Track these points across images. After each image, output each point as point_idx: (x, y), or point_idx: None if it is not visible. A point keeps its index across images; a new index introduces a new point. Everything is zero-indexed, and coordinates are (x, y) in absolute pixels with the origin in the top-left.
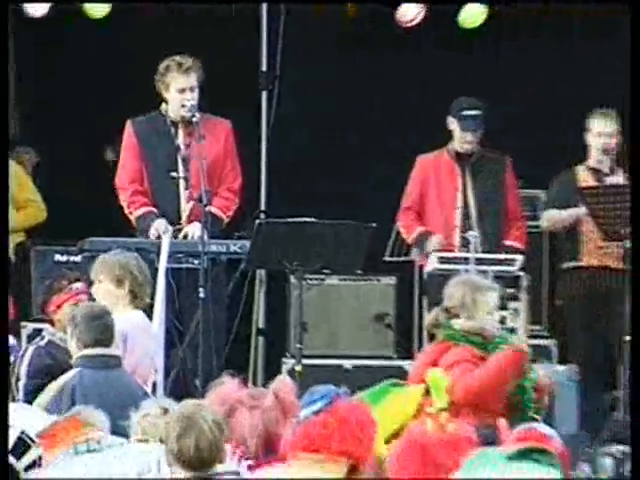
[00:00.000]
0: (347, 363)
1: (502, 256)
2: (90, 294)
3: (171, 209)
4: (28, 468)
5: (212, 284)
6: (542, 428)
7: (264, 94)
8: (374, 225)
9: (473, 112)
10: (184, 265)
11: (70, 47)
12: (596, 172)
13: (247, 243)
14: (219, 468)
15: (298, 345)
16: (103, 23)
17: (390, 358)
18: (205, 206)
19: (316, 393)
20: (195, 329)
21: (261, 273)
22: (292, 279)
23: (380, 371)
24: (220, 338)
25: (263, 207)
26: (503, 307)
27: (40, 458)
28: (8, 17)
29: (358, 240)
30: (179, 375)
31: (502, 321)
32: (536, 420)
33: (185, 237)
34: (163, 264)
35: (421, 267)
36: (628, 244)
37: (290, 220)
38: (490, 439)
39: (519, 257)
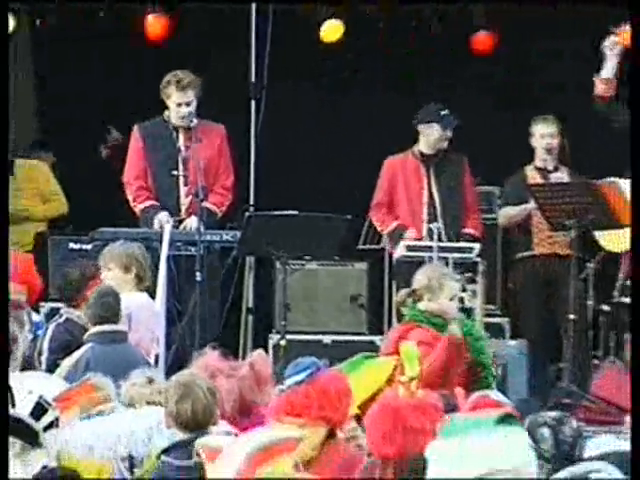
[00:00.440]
0: (326, 338)
1: (462, 245)
2: None
3: (172, 203)
4: (46, 429)
5: (207, 269)
6: (495, 395)
7: (253, 102)
8: (349, 217)
9: (447, 112)
10: (183, 252)
11: (81, 58)
12: (542, 171)
13: (238, 233)
14: (212, 430)
15: (282, 322)
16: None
17: (363, 334)
18: (201, 201)
19: (299, 365)
20: (192, 309)
21: (250, 259)
22: (277, 264)
23: (355, 345)
24: (214, 316)
25: (252, 201)
26: (462, 289)
27: (57, 420)
28: (8, 18)
29: (334, 231)
30: (178, 349)
31: (461, 301)
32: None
33: (184, 228)
34: (165, 251)
35: (390, 254)
36: (573, 234)
37: (275, 213)
38: (449, 407)
39: (476, 246)
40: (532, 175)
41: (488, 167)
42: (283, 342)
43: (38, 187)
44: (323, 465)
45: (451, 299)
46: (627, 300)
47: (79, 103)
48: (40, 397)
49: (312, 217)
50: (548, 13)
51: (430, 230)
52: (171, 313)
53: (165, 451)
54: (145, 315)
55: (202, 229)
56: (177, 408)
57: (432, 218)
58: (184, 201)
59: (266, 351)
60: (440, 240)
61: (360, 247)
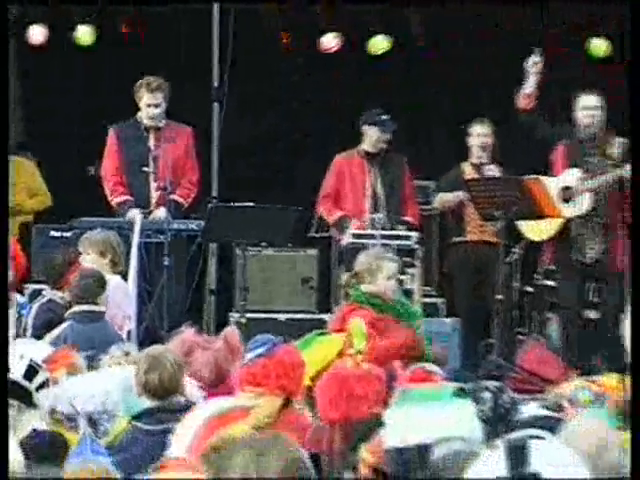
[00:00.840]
0: (281, 316)
1: (401, 233)
2: None
3: (143, 196)
4: (38, 389)
5: (174, 255)
6: (429, 367)
7: (216, 105)
8: (300, 209)
9: (387, 116)
10: (153, 240)
11: (63, 67)
12: (477, 166)
13: (202, 223)
14: (179, 398)
15: (242, 302)
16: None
17: (313, 312)
18: (169, 194)
19: (258, 341)
20: (161, 290)
21: (213, 246)
22: (237, 251)
23: (306, 323)
24: (181, 297)
25: (215, 194)
26: (402, 273)
27: (47, 380)
28: (8, 19)
29: (287, 220)
30: (148, 326)
31: (401, 283)
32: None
33: (154, 218)
34: (136, 239)
35: (338, 241)
36: (500, 223)
37: (236, 205)
38: (389, 377)
39: (414, 234)
40: (468, 170)
41: (424, 164)
42: (243, 320)
43: (26, 182)
44: (279, 429)
45: (389, 278)
46: (549, 282)
47: (61, 110)
48: (31, 360)
49: (268, 208)
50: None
51: (373, 220)
52: (142, 294)
53: (135, 417)
54: (118, 295)
55: (170, 219)
56: (146, 378)
57: (375, 209)
58: (154, 194)
59: None
60: (382, 229)
61: (310, 235)
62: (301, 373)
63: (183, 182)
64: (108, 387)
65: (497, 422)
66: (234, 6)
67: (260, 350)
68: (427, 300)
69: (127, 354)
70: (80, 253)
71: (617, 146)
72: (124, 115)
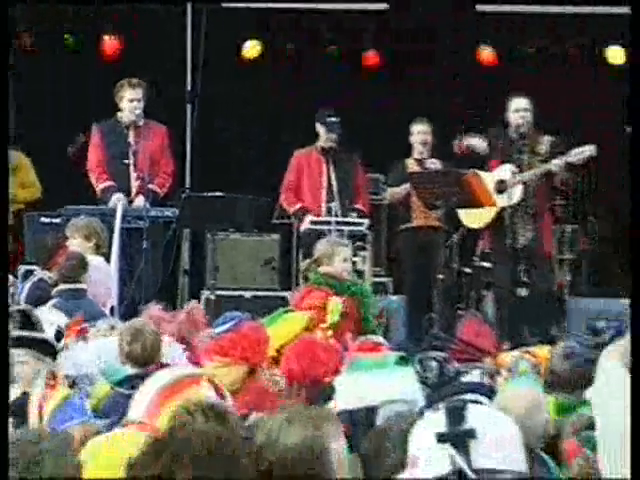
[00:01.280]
0: (246, 294)
1: (354, 220)
2: None
3: (124, 186)
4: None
5: (152, 239)
6: (376, 338)
7: (189, 106)
8: (264, 198)
9: (335, 119)
10: (133, 225)
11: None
12: (419, 161)
13: (176, 210)
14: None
15: (212, 281)
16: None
17: (276, 290)
18: (147, 184)
19: (227, 317)
20: (140, 270)
21: (186, 231)
22: (208, 235)
23: (269, 300)
24: (157, 276)
25: (188, 185)
26: (355, 255)
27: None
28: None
29: (253, 209)
30: (129, 303)
31: (354, 265)
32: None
33: (133, 205)
34: (118, 224)
35: (297, 227)
36: (441, 211)
37: (207, 194)
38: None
39: (366, 221)
40: (411, 165)
41: (375, 159)
42: (213, 297)
43: (20, 175)
44: (244, 394)
45: (344, 262)
46: (485, 264)
47: (50, 106)
48: (58, 326)
49: (235, 198)
50: None
51: (329, 208)
52: (123, 274)
53: (117, 383)
54: (102, 275)
55: (148, 207)
56: (129, 347)
57: (330, 199)
58: (134, 184)
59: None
60: (336, 216)
61: (273, 221)
62: (264, 346)
63: (159, 174)
64: (94, 356)
65: (441, 388)
66: (206, 6)
67: (228, 325)
68: (377, 279)
69: (112, 328)
70: (67, 237)
71: (545, 143)
72: (105, 113)
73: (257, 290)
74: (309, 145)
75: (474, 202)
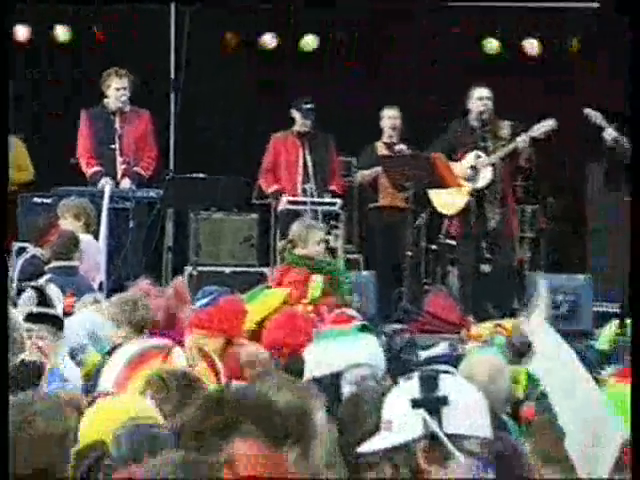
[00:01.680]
0: (227, 270)
1: (328, 200)
2: None
3: (111, 169)
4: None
5: (138, 218)
6: (349, 311)
7: (172, 94)
8: (244, 179)
9: (310, 106)
10: (120, 205)
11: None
12: (388, 145)
13: (161, 191)
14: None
15: (194, 258)
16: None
17: (254, 266)
18: (133, 167)
19: (206, 291)
20: (127, 247)
21: (170, 211)
22: (191, 215)
23: (248, 275)
24: (143, 253)
25: (172, 167)
26: (328, 233)
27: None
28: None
29: (233, 189)
30: (116, 278)
31: (327, 243)
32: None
33: (120, 187)
34: (106, 205)
35: (275, 207)
36: (410, 192)
37: (189, 176)
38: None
39: (339, 201)
40: (381, 148)
41: (347, 142)
42: (195, 272)
43: (16, 159)
44: (223, 364)
45: (318, 243)
46: (450, 242)
47: (45, 94)
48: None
49: (216, 179)
50: None
51: (304, 189)
52: (111, 251)
53: (108, 352)
54: (91, 252)
55: (133, 188)
56: (133, 315)
57: (306, 180)
58: (120, 167)
59: None
60: (312, 197)
61: (253, 202)
62: (241, 319)
63: (144, 157)
64: (80, 327)
65: (392, 361)
66: (189, 8)
67: (206, 300)
68: (349, 256)
69: (96, 301)
70: (59, 217)
71: (506, 128)
72: (93, 101)
73: (237, 266)
74: (286, 130)
75: (440, 183)
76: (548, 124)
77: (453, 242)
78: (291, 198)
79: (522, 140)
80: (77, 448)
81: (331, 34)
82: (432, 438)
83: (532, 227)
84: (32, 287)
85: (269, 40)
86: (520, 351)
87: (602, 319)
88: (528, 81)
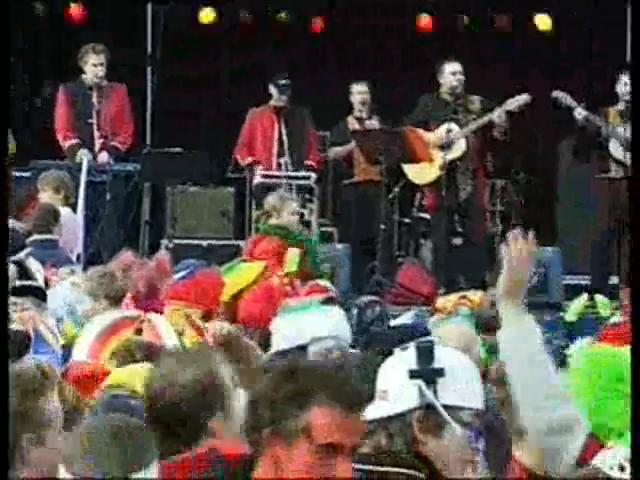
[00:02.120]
0: (203, 243)
1: (303, 174)
2: None
3: (88, 143)
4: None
5: (115, 191)
6: (323, 283)
7: (149, 69)
8: (220, 154)
9: (286, 81)
10: (97, 179)
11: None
12: (359, 119)
13: (138, 165)
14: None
15: (171, 231)
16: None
17: (230, 239)
18: (110, 141)
19: (184, 264)
20: (104, 220)
21: (147, 184)
22: (167, 188)
23: (224, 248)
24: (120, 226)
25: (149, 142)
26: (303, 207)
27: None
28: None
29: (209, 163)
30: (94, 250)
31: (302, 216)
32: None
33: (97, 161)
34: (83, 178)
35: (250, 181)
36: (383, 166)
37: (166, 150)
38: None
39: (313, 175)
40: (352, 123)
41: (324, 118)
42: (171, 245)
43: None
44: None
45: (292, 214)
46: (423, 215)
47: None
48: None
49: (193, 153)
50: None
51: (279, 163)
52: (88, 224)
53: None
54: (70, 225)
55: (111, 162)
56: (110, 288)
57: (281, 154)
58: (97, 141)
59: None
60: (287, 170)
61: (228, 175)
62: (217, 291)
63: (121, 131)
64: (58, 299)
65: (363, 331)
66: None
67: (184, 273)
68: (323, 229)
69: (73, 272)
70: (38, 190)
71: (476, 102)
72: (71, 76)
73: (213, 239)
74: (263, 105)
75: (413, 157)
76: (522, 98)
77: (426, 215)
78: (265, 172)
79: (498, 113)
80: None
81: (305, 9)
82: (427, 408)
83: (502, 201)
84: (12, 261)
85: (244, 16)
86: (489, 325)
87: (572, 292)
88: (499, 57)
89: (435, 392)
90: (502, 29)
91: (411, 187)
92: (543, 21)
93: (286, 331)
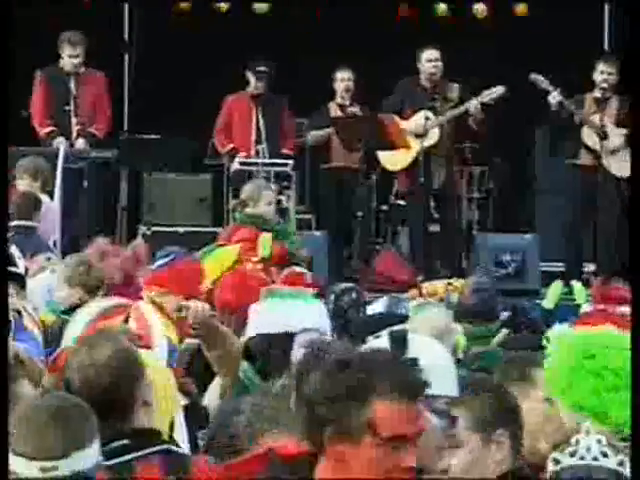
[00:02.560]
0: (180, 230)
1: (280, 161)
2: None
3: (65, 130)
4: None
5: (92, 178)
6: (300, 269)
7: (127, 55)
8: (197, 141)
9: (264, 68)
10: (74, 165)
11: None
12: (341, 106)
13: (115, 151)
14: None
15: (148, 218)
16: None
17: (208, 226)
18: (87, 128)
19: (163, 252)
20: (81, 207)
21: (124, 171)
22: (144, 175)
23: (202, 235)
24: (97, 212)
25: (126, 128)
26: (280, 194)
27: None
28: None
29: (187, 150)
30: (71, 237)
31: (279, 203)
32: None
33: (74, 147)
34: (60, 165)
35: (228, 167)
36: (360, 154)
37: (143, 137)
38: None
39: (290, 161)
40: (334, 109)
41: (301, 105)
42: (149, 232)
43: None
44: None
45: (269, 204)
46: (400, 202)
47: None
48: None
49: (170, 140)
50: None
51: (257, 151)
52: (65, 210)
53: (65, 312)
54: (48, 211)
55: (88, 148)
56: (87, 277)
57: (259, 141)
58: (74, 128)
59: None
60: (265, 158)
61: (206, 162)
62: (197, 279)
63: (98, 118)
64: (37, 287)
65: (338, 317)
66: None
67: (164, 260)
68: (301, 217)
69: (49, 259)
70: (15, 177)
71: (454, 90)
72: (50, 62)
73: (191, 226)
74: (240, 91)
75: (391, 144)
76: (498, 90)
77: (403, 202)
78: (243, 159)
79: (473, 104)
80: None
81: None
82: None
83: (480, 188)
84: None
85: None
86: (467, 313)
87: (549, 279)
88: (477, 44)
89: None
90: (480, 15)
91: (389, 174)
92: (521, 9)
93: (273, 315)
